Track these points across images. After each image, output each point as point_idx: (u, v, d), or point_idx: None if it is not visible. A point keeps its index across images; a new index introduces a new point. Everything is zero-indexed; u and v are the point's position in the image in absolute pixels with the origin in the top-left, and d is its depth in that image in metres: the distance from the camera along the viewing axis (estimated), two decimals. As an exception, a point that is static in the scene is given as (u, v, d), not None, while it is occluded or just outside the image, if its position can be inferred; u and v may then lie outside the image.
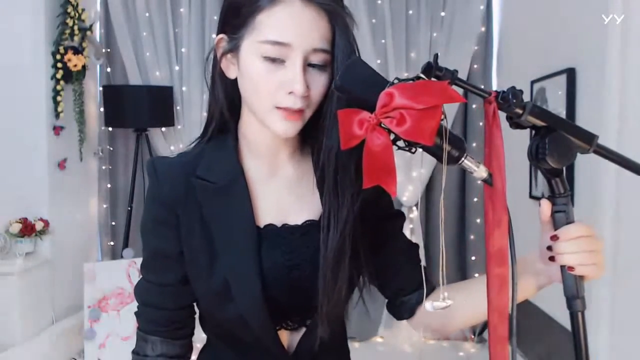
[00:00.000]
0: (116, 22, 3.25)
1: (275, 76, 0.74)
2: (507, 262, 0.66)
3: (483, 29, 3.21)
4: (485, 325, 3.23)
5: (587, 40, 2.04)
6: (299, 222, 0.85)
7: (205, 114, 3.58)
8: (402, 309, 0.93)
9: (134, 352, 0.90)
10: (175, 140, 3.34)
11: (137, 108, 3.07)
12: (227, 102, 0.85)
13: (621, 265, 1.82)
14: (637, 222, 1.80)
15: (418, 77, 0.64)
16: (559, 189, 0.69)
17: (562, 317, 2.26)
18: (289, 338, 0.88)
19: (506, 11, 3.11)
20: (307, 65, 0.75)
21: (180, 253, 0.84)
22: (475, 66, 3.23)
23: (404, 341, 3.24)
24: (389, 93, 0.61)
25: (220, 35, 0.81)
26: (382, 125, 0.63)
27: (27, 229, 2.69)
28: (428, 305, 0.69)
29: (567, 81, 2.15)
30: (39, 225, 2.74)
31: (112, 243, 3.46)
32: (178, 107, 3.31)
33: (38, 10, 2.80)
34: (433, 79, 0.64)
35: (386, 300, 0.97)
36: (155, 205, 0.84)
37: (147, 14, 3.26)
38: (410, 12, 3.23)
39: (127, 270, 2.76)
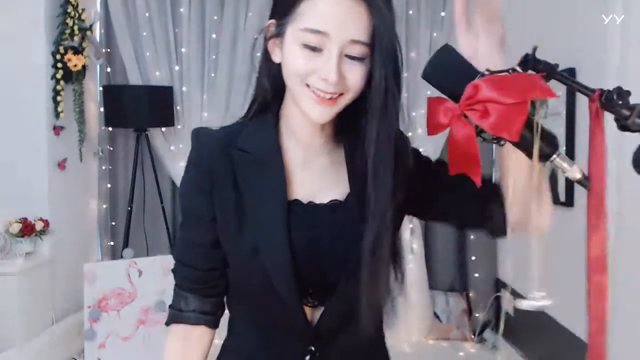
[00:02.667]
0: (116, 22, 3.25)
1: (312, 63, 0.77)
2: (606, 270, 0.63)
3: (483, 29, 3.20)
4: (484, 325, 3.23)
5: (587, 40, 2.04)
6: (325, 202, 0.88)
7: (206, 114, 3.57)
8: (493, 234, 0.91)
9: (170, 306, 0.95)
10: (175, 140, 3.34)
11: (137, 108, 3.07)
12: (271, 84, 0.89)
13: (621, 265, 1.82)
14: (637, 222, 1.80)
15: (513, 70, 0.62)
16: None
17: (563, 317, 2.26)
18: (310, 314, 0.90)
19: (506, 11, 3.10)
20: (345, 56, 0.77)
21: (212, 218, 0.88)
22: (475, 66, 3.22)
23: (403, 341, 3.24)
24: (476, 85, 0.60)
25: (270, 21, 0.85)
26: (466, 116, 0.61)
27: (27, 229, 2.69)
28: (525, 304, 0.68)
29: (567, 81, 2.15)
30: (39, 225, 2.73)
31: (112, 243, 3.46)
32: (178, 107, 3.31)
33: (38, 11, 2.80)
34: (531, 71, 0.61)
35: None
36: (193, 170, 0.90)
37: (147, 14, 3.26)
38: (410, 12, 3.23)
39: (127, 270, 2.76)
